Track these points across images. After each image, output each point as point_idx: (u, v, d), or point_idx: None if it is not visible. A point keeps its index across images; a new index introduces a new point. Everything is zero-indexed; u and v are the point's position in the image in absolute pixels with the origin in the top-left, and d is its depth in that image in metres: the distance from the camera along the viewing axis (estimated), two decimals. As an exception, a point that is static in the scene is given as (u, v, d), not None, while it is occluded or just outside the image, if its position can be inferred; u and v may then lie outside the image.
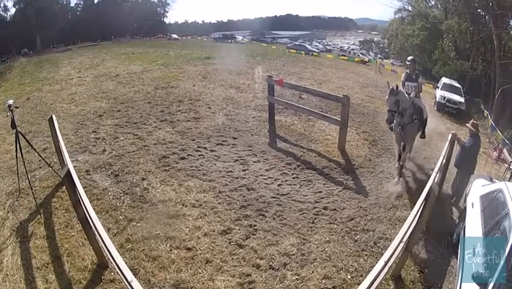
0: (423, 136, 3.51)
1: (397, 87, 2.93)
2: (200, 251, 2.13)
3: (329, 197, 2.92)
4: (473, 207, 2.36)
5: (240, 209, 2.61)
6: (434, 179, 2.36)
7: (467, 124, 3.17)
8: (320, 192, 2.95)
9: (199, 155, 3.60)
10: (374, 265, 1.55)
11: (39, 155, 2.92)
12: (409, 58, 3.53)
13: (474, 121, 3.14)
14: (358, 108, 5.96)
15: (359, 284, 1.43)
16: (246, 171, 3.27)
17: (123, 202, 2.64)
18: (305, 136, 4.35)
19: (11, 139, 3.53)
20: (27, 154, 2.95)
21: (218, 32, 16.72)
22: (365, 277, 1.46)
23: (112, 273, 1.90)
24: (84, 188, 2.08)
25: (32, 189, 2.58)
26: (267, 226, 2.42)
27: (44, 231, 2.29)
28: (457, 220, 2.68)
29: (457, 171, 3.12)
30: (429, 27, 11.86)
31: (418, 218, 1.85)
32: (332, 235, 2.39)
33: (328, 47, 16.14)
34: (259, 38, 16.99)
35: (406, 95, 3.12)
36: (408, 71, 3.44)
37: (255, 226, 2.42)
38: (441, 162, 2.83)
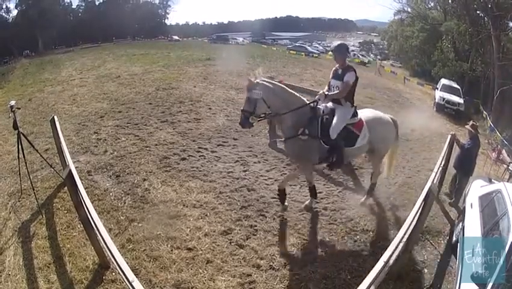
0: (331, 167, 2.46)
1: (255, 79, 2.08)
2: (201, 252, 2.14)
3: (329, 197, 2.93)
4: (472, 207, 2.37)
5: (240, 209, 2.63)
6: (433, 180, 2.38)
7: (466, 126, 3.18)
8: (320, 192, 2.96)
9: (199, 156, 3.61)
10: (374, 265, 1.56)
11: (41, 155, 2.94)
12: (335, 44, 2.33)
13: (474, 123, 3.15)
14: (358, 108, 5.97)
15: (359, 284, 1.44)
16: (247, 172, 3.28)
17: (125, 203, 2.66)
18: (305, 137, 4.37)
19: (13, 140, 3.54)
20: (29, 155, 2.97)
21: (215, 34, 16.83)
22: (365, 277, 1.47)
23: (113, 273, 1.91)
24: (85, 188, 2.12)
25: (34, 189, 2.59)
26: (268, 226, 2.43)
27: (45, 231, 2.30)
28: (456, 221, 2.69)
29: (456, 172, 3.13)
30: (429, 28, 11.94)
31: (418, 218, 1.86)
32: (332, 235, 2.39)
33: (328, 49, 16.19)
34: (259, 39, 17.08)
35: (273, 92, 2.13)
36: (337, 65, 2.34)
37: (256, 226, 2.43)
38: (440, 163, 2.85)
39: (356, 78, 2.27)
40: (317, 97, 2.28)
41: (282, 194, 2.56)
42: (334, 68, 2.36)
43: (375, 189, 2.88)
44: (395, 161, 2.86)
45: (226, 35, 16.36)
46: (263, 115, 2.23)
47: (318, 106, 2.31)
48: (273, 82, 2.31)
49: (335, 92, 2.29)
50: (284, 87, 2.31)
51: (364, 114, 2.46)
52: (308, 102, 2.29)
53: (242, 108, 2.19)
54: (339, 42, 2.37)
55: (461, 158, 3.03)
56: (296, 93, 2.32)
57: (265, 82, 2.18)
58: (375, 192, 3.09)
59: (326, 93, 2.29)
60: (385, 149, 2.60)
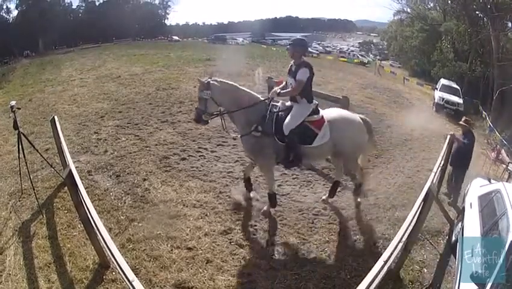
0: (288, 166, 2.39)
1: (209, 80, 2.14)
2: (201, 251, 2.14)
3: (326, 193, 2.94)
4: (471, 207, 2.38)
5: (240, 209, 2.63)
6: (433, 180, 2.38)
7: (460, 122, 3.20)
8: (320, 192, 2.97)
9: (199, 156, 3.62)
10: (373, 265, 1.56)
11: (41, 155, 2.94)
12: (293, 38, 2.26)
13: (467, 118, 3.18)
14: (357, 109, 5.97)
15: (358, 284, 1.44)
16: (247, 172, 3.30)
17: (125, 202, 2.66)
18: (304, 137, 4.38)
19: (13, 140, 3.53)
20: (29, 155, 2.97)
21: (214, 34, 16.86)
22: (365, 276, 1.48)
23: (113, 273, 1.91)
24: (85, 188, 2.13)
25: (34, 189, 2.59)
26: (267, 226, 2.44)
27: (46, 231, 2.30)
28: (455, 220, 2.69)
29: (452, 169, 3.15)
30: (428, 29, 11.97)
31: (417, 218, 1.86)
32: (332, 235, 2.40)
33: (328, 49, 16.25)
34: (259, 39, 17.10)
35: (222, 91, 2.17)
36: (292, 61, 2.26)
37: (256, 226, 2.43)
38: (440, 163, 2.86)
39: (311, 74, 2.20)
40: (270, 95, 2.31)
41: (247, 183, 2.64)
42: (290, 65, 2.32)
43: (374, 190, 2.89)
44: (365, 163, 2.71)
45: (224, 35, 16.38)
46: (216, 113, 2.29)
47: (273, 103, 2.29)
48: (225, 81, 2.27)
49: (287, 90, 2.26)
50: (237, 86, 2.29)
51: (329, 112, 2.37)
52: (261, 100, 2.29)
53: (196, 106, 2.28)
54: (297, 37, 2.31)
55: (458, 154, 3.04)
56: (250, 91, 2.32)
57: (215, 82, 2.21)
58: (374, 193, 3.11)
59: (278, 91, 2.29)
60: (353, 150, 2.39)
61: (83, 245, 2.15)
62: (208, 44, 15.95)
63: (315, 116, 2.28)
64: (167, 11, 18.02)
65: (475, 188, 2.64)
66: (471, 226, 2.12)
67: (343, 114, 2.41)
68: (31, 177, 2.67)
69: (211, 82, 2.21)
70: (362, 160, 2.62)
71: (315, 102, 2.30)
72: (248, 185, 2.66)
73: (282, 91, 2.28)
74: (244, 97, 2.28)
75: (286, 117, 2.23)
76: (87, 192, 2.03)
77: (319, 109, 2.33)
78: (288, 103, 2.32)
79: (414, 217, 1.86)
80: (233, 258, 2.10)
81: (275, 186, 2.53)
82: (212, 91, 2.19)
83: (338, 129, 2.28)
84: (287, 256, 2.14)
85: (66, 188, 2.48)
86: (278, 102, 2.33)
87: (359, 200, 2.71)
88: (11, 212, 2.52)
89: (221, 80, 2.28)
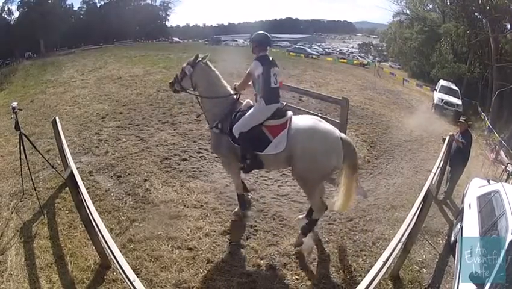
0: (243, 170, 2.10)
1: (200, 60, 2.03)
2: (201, 252, 2.15)
3: (328, 198, 2.94)
4: (470, 208, 2.40)
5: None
6: (432, 180, 2.40)
7: (458, 122, 3.23)
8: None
9: (200, 157, 3.63)
10: (373, 265, 1.57)
11: (42, 156, 2.96)
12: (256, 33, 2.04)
13: (465, 118, 3.22)
14: (357, 110, 6.01)
15: (358, 284, 1.46)
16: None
17: (126, 203, 2.67)
18: (304, 138, 4.40)
19: (15, 141, 3.55)
20: (31, 155, 2.98)
21: (212, 36, 16.98)
22: (364, 277, 1.49)
23: (114, 273, 1.92)
24: (86, 189, 2.12)
25: (35, 190, 2.60)
26: (268, 226, 2.45)
27: (47, 231, 2.31)
28: (455, 221, 2.70)
29: (450, 169, 3.17)
30: (427, 30, 12.03)
31: (417, 218, 1.87)
32: (331, 235, 2.41)
33: (327, 50, 16.32)
34: (259, 41, 17.14)
35: (202, 74, 2.07)
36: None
37: (256, 226, 2.44)
38: (439, 164, 2.87)
39: (266, 71, 1.92)
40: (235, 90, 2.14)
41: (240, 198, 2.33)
42: None
43: (374, 190, 2.84)
44: (353, 195, 2.02)
45: (219, 37, 16.45)
46: (188, 90, 2.21)
47: (239, 100, 2.12)
48: (212, 69, 2.14)
49: (239, 82, 2.09)
50: (219, 77, 2.16)
51: (302, 120, 1.98)
52: (229, 94, 2.10)
53: (176, 73, 2.22)
54: (259, 31, 2.05)
55: (456, 154, 3.07)
56: (227, 87, 2.15)
57: (201, 64, 2.11)
58: (374, 193, 3.11)
59: (236, 84, 2.15)
60: (311, 171, 1.89)
61: (84, 245, 2.16)
62: (209, 45, 16.04)
63: (276, 121, 1.95)
64: (168, 13, 18.14)
65: (474, 189, 2.66)
66: (470, 226, 2.14)
67: (316, 125, 1.92)
68: (33, 178, 2.68)
69: (200, 63, 2.12)
70: (348, 188, 1.99)
71: (280, 104, 2.00)
72: (242, 202, 2.39)
73: (237, 84, 2.12)
74: (220, 88, 2.12)
75: (242, 116, 2.01)
76: (88, 192, 2.02)
77: (289, 113, 2.00)
78: (251, 103, 2.11)
79: (413, 217, 1.87)
80: (233, 258, 2.11)
81: (241, 188, 2.30)
82: (195, 71, 2.11)
83: (299, 141, 1.88)
84: (287, 256, 2.15)
85: (67, 188, 2.50)
86: (246, 102, 2.15)
87: (301, 237, 2.08)
88: (12, 213, 2.53)
89: (211, 66, 2.17)
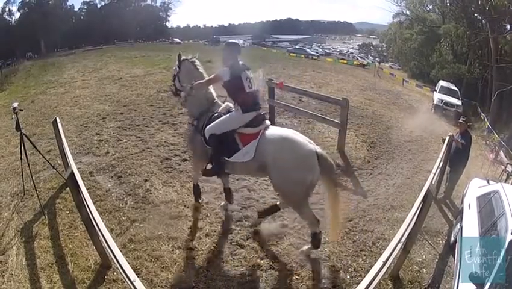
0: (205, 173, 2.15)
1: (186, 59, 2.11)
2: (201, 252, 2.16)
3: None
4: (470, 208, 2.40)
5: (241, 210, 2.65)
6: (432, 181, 2.40)
7: (457, 122, 3.24)
8: (319, 193, 2.98)
9: (200, 157, 3.66)
10: (373, 265, 1.58)
11: (43, 156, 2.96)
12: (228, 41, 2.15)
13: (464, 118, 3.24)
14: (357, 110, 6.02)
15: (358, 284, 1.46)
16: (247, 173, 3.31)
17: (126, 203, 2.68)
18: (304, 139, 4.41)
19: (15, 141, 3.56)
20: (31, 156, 2.99)
21: (214, 37, 17.04)
22: (364, 277, 1.49)
23: (115, 273, 1.93)
24: (87, 189, 2.12)
25: (36, 190, 2.61)
26: (268, 226, 2.45)
27: (48, 232, 2.32)
28: (454, 221, 2.71)
29: (450, 169, 3.19)
30: (427, 31, 12.05)
31: (416, 219, 1.88)
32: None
33: (328, 51, 16.33)
34: (260, 42, 17.20)
35: (187, 72, 2.14)
36: None
37: (256, 226, 2.45)
38: (439, 164, 2.88)
39: (230, 76, 1.96)
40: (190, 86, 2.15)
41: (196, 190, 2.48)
42: None
43: (373, 191, 2.84)
44: (338, 219, 1.96)
45: (217, 38, 16.51)
46: (179, 90, 2.28)
47: (218, 102, 2.16)
48: (197, 67, 2.18)
49: (201, 80, 2.12)
50: (204, 74, 2.17)
51: (278, 131, 1.96)
52: (210, 95, 2.18)
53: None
54: (229, 40, 2.18)
55: (455, 154, 3.08)
56: (209, 88, 2.19)
57: (186, 63, 2.18)
58: (374, 194, 3.11)
59: (194, 82, 2.13)
60: (286, 184, 1.87)
61: (85, 245, 2.16)
62: (209, 46, 16.09)
63: (251, 129, 1.94)
64: (168, 14, 18.18)
65: (474, 189, 2.66)
66: (470, 226, 2.14)
67: (288, 137, 1.88)
68: (33, 178, 2.69)
69: (186, 61, 2.20)
70: (334, 210, 1.93)
71: (258, 112, 1.99)
72: (228, 195, 2.41)
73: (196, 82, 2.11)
74: (202, 87, 2.13)
75: (210, 112, 2.10)
76: (89, 193, 2.02)
77: (267, 122, 2.01)
78: (229, 106, 2.12)
79: (413, 218, 1.88)
80: (233, 259, 2.12)
81: (197, 179, 2.39)
82: (180, 70, 2.19)
83: (269, 152, 1.86)
84: (287, 256, 2.15)
85: (68, 189, 2.50)
86: (226, 104, 2.14)
87: (312, 253, 2.04)
88: (13, 213, 2.53)
89: (196, 65, 2.22)
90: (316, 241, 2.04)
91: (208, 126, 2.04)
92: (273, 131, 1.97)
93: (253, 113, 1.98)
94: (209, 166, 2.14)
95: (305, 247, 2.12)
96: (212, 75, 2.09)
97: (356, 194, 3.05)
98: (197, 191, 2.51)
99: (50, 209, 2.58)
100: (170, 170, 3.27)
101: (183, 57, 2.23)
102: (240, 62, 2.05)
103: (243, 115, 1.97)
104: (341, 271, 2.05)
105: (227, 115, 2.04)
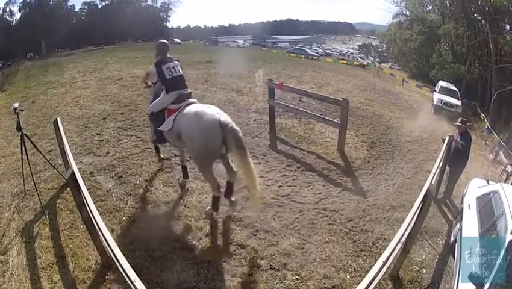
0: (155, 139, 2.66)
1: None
2: (201, 252, 2.17)
3: (328, 198, 2.96)
4: (469, 208, 2.41)
5: (241, 210, 2.65)
6: (431, 181, 2.41)
7: (457, 122, 3.24)
8: (320, 193, 2.99)
9: (200, 157, 3.66)
10: (373, 265, 1.59)
11: (44, 157, 2.97)
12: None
13: (463, 118, 3.23)
14: (357, 110, 6.03)
15: (358, 284, 1.47)
16: (247, 173, 3.32)
17: (127, 203, 2.69)
18: (304, 139, 4.40)
19: (16, 141, 3.58)
20: (32, 156, 2.99)
21: (213, 37, 17.11)
22: (364, 277, 1.50)
23: (115, 273, 1.93)
24: (88, 189, 2.13)
25: (37, 190, 2.62)
26: (268, 226, 2.46)
27: (49, 232, 2.33)
28: (454, 221, 2.71)
29: (449, 169, 3.19)
30: (427, 31, 12.05)
31: (416, 219, 1.89)
32: (332, 235, 2.42)
33: (328, 51, 16.33)
34: (260, 42, 17.23)
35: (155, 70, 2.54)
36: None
37: (256, 227, 2.45)
38: (439, 164, 2.89)
39: (156, 69, 2.52)
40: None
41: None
42: None
43: (373, 191, 2.86)
44: (255, 183, 2.12)
45: (216, 38, 16.57)
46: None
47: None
48: (171, 63, 2.52)
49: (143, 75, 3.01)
50: (153, 70, 2.73)
51: (193, 106, 2.38)
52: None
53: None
54: (160, 40, 2.64)
55: (455, 154, 3.09)
56: (146, 78, 2.92)
57: (158, 62, 2.53)
58: (374, 194, 3.12)
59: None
60: (192, 149, 2.27)
61: (85, 245, 2.17)
62: (209, 46, 16.15)
63: (175, 105, 2.44)
64: (169, 14, 18.19)
65: (473, 189, 2.67)
66: (470, 226, 2.15)
67: (197, 109, 2.27)
68: (34, 179, 2.69)
69: (162, 61, 2.60)
70: (246, 173, 2.10)
71: (181, 91, 2.45)
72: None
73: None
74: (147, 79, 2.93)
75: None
76: (89, 193, 2.03)
77: (190, 100, 2.46)
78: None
79: (413, 218, 1.89)
80: (234, 258, 2.12)
81: (154, 137, 2.78)
82: (155, 66, 2.59)
83: (182, 122, 2.30)
84: (287, 256, 2.16)
85: (69, 189, 2.49)
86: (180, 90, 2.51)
87: (214, 213, 2.36)
88: (14, 213, 2.54)
89: (174, 63, 2.59)
90: (216, 203, 2.40)
91: (149, 106, 2.69)
92: (191, 106, 2.38)
93: (175, 93, 2.45)
94: (155, 137, 2.67)
95: (208, 208, 2.49)
96: (146, 71, 2.95)
97: (356, 194, 3.06)
98: (158, 151, 3.22)
99: (51, 209, 2.59)
100: (171, 170, 3.28)
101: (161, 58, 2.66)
102: (168, 56, 2.54)
103: (167, 96, 2.48)
104: (341, 271, 2.05)
105: (162, 97, 2.55)
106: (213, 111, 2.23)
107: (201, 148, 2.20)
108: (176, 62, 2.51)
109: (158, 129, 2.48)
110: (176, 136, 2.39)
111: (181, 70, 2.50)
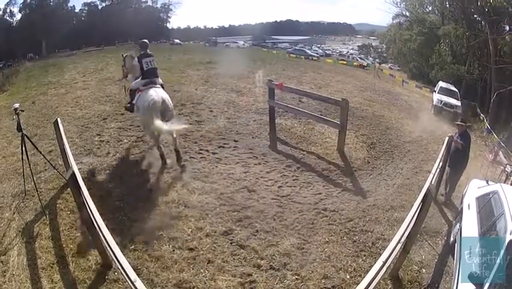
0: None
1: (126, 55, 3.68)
2: (202, 252, 2.17)
3: (328, 198, 2.97)
4: (469, 208, 2.41)
5: (241, 210, 2.66)
6: (431, 181, 2.42)
7: (456, 123, 3.25)
8: (320, 193, 3.00)
9: (200, 158, 3.66)
10: (372, 265, 1.60)
11: (44, 157, 2.98)
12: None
13: (463, 119, 3.26)
14: (357, 111, 6.04)
15: (358, 284, 1.48)
16: (247, 173, 3.32)
17: (127, 204, 2.69)
18: (304, 139, 4.42)
19: (17, 142, 3.59)
20: (32, 156, 3.00)
21: (212, 38, 17.19)
22: (364, 277, 1.51)
23: (116, 273, 1.94)
24: (88, 189, 2.13)
25: (37, 191, 2.63)
26: (268, 226, 2.46)
27: (49, 232, 2.33)
28: (454, 221, 2.71)
29: (449, 170, 3.19)
30: (427, 32, 12.07)
31: (416, 219, 1.89)
32: (332, 235, 2.42)
33: (327, 52, 16.36)
34: (259, 43, 17.26)
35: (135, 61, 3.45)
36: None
37: (256, 227, 2.46)
38: (438, 165, 2.89)
39: (138, 62, 3.41)
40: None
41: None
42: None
43: (373, 191, 2.85)
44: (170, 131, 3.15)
45: (215, 39, 16.64)
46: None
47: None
48: (133, 58, 3.50)
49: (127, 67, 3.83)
50: (134, 62, 3.53)
51: (150, 89, 3.26)
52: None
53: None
54: (142, 39, 3.52)
55: (455, 154, 3.09)
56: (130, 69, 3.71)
57: (127, 57, 3.68)
58: (373, 194, 3.12)
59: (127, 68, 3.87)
60: (140, 120, 3.49)
61: (85, 245, 2.17)
62: (209, 47, 16.21)
63: (142, 87, 3.34)
64: (169, 15, 18.22)
65: (473, 190, 2.67)
66: (470, 226, 2.15)
67: (148, 90, 3.22)
68: (34, 179, 2.70)
69: (127, 56, 3.72)
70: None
71: (152, 79, 3.36)
72: (163, 158, 3.40)
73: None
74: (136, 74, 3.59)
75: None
76: (90, 193, 2.03)
77: (154, 86, 3.32)
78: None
79: (412, 218, 1.89)
80: (234, 258, 2.13)
81: (127, 106, 3.62)
82: (125, 61, 3.71)
83: (137, 100, 3.29)
84: (287, 256, 2.16)
85: (69, 189, 2.51)
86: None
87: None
88: (14, 213, 2.54)
89: (133, 57, 3.55)
90: (162, 156, 3.37)
91: (130, 85, 3.61)
92: (149, 89, 3.24)
93: (148, 79, 3.36)
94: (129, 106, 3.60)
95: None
96: (129, 64, 3.71)
97: (356, 195, 3.06)
98: (131, 109, 3.62)
99: (51, 210, 2.60)
100: (171, 171, 3.29)
101: (125, 54, 3.82)
102: (148, 52, 3.42)
103: (141, 81, 3.41)
104: (341, 271, 2.06)
105: (135, 81, 3.51)
106: (156, 92, 3.19)
107: (144, 122, 3.31)
108: (152, 58, 3.41)
109: (131, 101, 3.45)
110: (136, 108, 3.34)
111: (155, 64, 3.43)
